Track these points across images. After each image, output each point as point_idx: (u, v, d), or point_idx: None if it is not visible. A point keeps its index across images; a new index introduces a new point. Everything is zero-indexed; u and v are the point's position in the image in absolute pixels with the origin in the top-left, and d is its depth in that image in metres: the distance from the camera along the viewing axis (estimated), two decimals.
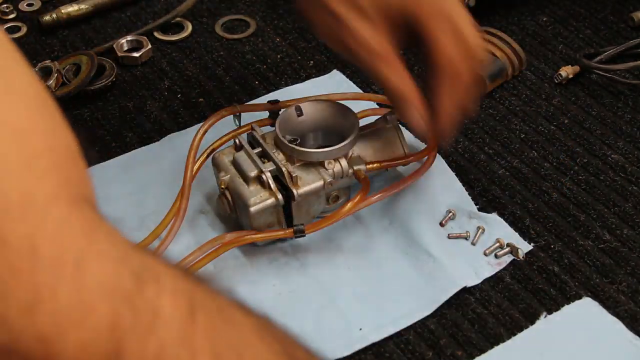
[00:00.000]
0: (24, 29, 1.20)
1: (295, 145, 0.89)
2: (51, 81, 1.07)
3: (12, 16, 1.22)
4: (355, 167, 0.90)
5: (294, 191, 0.87)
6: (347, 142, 0.89)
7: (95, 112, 1.08)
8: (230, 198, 0.89)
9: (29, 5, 1.24)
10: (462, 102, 0.81)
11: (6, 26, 1.20)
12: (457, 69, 0.78)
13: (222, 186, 0.90)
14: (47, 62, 1.10)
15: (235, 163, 0.90)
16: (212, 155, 0.93)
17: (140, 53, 1.14)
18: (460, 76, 0.79)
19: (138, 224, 0.93)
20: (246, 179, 0.88)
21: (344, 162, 0.89)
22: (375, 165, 0.91)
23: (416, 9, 0.76)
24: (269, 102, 0.96)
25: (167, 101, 1.09)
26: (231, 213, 0.90)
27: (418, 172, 0.93)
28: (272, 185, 0.87)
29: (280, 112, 0.93)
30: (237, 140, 0.91)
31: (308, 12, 0.82)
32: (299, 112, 0.92)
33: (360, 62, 0.82)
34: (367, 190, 0.88)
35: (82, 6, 1.20)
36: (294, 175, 0.87)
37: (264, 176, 0.87)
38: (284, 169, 0.87)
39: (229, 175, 0.89)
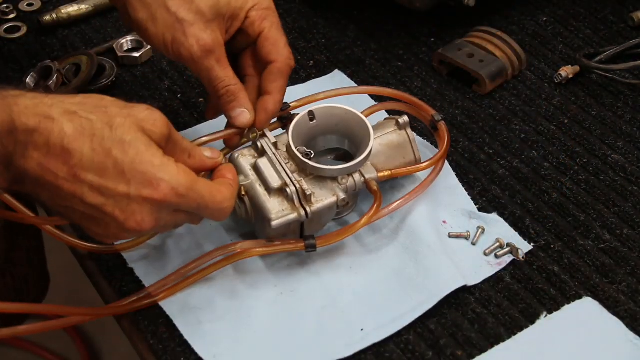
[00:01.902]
0: (24, 29, 1.20)
1: (309, 160, 0.87)
2: (51, 81, 1.07)
3: (12, 16, 1.22)
4: (367, 176, 0.89)
5: (308, 209, 0.86)
6: (361, 159, 0.87)
7: None
8: (248, 204, 0.88)
9: (29, 5, 1.24)
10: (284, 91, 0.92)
11: (6, 26, 1.20)
12: (286, 64, 0.90)
13: (242, 192, 0.87)
14: (47, 62, 1.10)
15: (257, 169, 0.88)
16: (230, 155, 0.91)
17: (140, 53, 1.14)
18: (287, 69, 0.90)
19: None
20: (268, 189, 0.87)
21: (357, 176, 0.88)
22: (386, 173, 0.90)
23: (247, 11, 0.89)
24: (278, 119, 0.95)
25: (167, 101, 1.09)
26: (246, 218, 0.89)
27: (428, 179, 0.93)
28: (297, 201, 0.86)
29: (294, 119, 0.90)
30: (259, 144, 0.90)
31: (140, 14, 0.89)
32: (312, 117, 0.91)
33: (190, 58, 0.88)
34: (380, 204, 0.88)
35: (82, 6, 1.20)
36: (308, 193, 0.86)
37: (288, 190, 0.86)
38: (297, 186, 0.86)
39: (249, 181, 0.88)
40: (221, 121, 0.96)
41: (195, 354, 0.84)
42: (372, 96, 1.06)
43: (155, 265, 0.90)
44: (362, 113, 0.91)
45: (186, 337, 0.85)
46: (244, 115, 0.89)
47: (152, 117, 0.76)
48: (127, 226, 0.75)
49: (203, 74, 0.89)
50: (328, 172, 0.88)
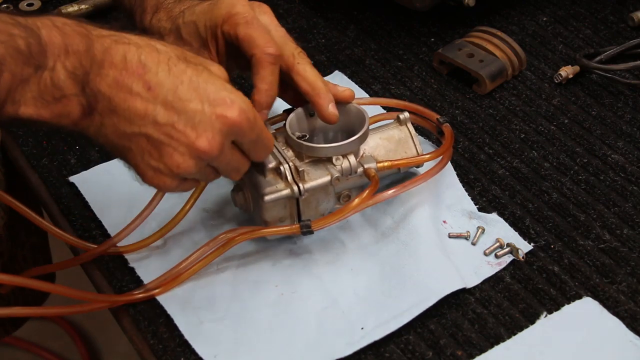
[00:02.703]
0: None
1: (304, 141, 0.89)
2: None
3: None
4: (365, 166, 0.90)
5: (301, 186, 0.87)
6: (355, 139, 0.89)
7: None
8: (245, 189, 0.89)
9: (29, 5, 1.24)
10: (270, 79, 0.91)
11: None
12: (262, 53, 0.90)
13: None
14: None
15: None
16: None
17: None
18: (266, 58, 0.90)
19: (142, 223, 0.93)
20: (264, 170, 0.88)
21: (352, 158, 0.89)
22: (386, 164, 0.91)
23: (220, 27, 0.91)
24: (284, 111, 0.95)
25: None
26: (244, 204, 0.90)
27: (430, 171, 0.93)
28: (289, 177, 0.87)
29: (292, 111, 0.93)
30: None
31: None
32: (311, 112, 0.92)
33: None
34: (376, 188, 0.88)
35: (82, 6, 1.21)
36: (300, 169, 0.87)
37: (282, 167, 0.87)
38: (291, 164, 0.87)
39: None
40: None
41: (196, 353, 0.84)
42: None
43: (157, 265, 0.90)
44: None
45: (187, 337, 0.85)
46: None
47: (217, 65, 0.80)
48: (197, 144, 0.76)
49: None
50: (322, 152, 0.89)
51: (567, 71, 1.10)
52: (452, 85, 1.11)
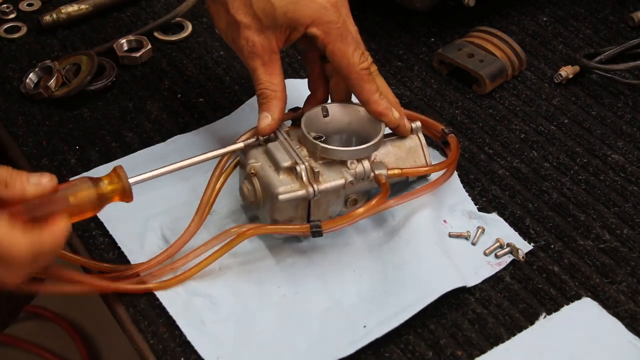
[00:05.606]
0: (24, 29, 1.20)
1: (320, 142, 0.89)
2: (51, 81, 1.07)
3: (12, 16, 1.22)
4: (376, 171, 0.90)
5: (315, 187, 0.87)
6: (372, 144, 0.89)
7: (95, 112, 1.08)
8: (257, 185, 0.89)
9: (29, 5, 1.24)
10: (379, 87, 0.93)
11: (6, 26, 1.20)
12: (359, 72, 0.90)
13: (252, 172, 0.89)
14: (47, 62, 1.10)
15: (268, 152, 0.89)
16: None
17: (140, 53, 1.14)
18: (364, 74, 0.90)
19: (142, 225, 0.93)
20: (277, 169, 0.88)
21: (366, 163, 0.89)
22: (396, 171, 0.91)
23: (306, 27, 0.90)
24: (290, 110, 0.96)
25: (167, 101, 1.09)
26: (254, 201, 0.90)
27: (437, 181, 0.93)
28: (305, 177, 0.87)
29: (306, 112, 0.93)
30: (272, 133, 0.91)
31: (211, 8, 0.94)
32: (325, 113, 0.92)
33: (241, 57, 0.93)
34: (387, 195, 0.88)
35: (82, 6, 1.20)
36: (316, 170, 0.87)
37: (298, 168, 0.87)
38: (307, 164, 0.87)
39: (259, 163, 0.89)
40: (226, 124, 0.96)
41: (196, 353, 0.84)
42: None
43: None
44: None
45: (189, 338, 0.84)
46: (265, 120, 0.91)
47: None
48: None
49: (250, 73, 0.92)
50: (337, 154, 0.88)
51: (567, 71, 1.10)
52: (452, 85, 1.11)
